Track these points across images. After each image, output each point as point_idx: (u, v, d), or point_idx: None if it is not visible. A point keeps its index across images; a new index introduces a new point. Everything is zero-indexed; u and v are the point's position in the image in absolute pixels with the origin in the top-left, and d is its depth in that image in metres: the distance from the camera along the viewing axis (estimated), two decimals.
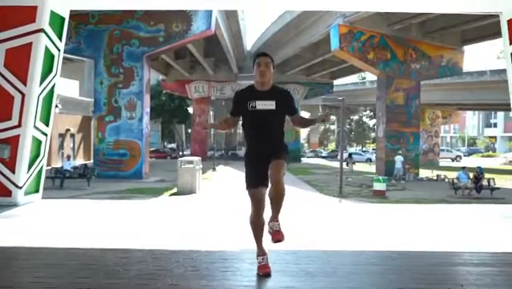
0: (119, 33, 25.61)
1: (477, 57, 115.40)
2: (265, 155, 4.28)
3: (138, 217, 8.07)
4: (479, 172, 21.84)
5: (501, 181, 24.17)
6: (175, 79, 49.39)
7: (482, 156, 74.13)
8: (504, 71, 9.65)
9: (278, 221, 4.28)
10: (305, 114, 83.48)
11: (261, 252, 4.44)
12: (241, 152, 55.89)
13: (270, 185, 4.21)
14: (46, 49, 8.56)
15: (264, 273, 4.35)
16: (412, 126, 32.58)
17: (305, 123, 4.65)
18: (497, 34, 16.57)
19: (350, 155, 35.06)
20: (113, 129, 25.67)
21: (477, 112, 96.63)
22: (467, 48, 38.01)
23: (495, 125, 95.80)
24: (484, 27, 30.49)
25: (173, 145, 65.16)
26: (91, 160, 29.75)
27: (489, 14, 11.20)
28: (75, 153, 37.57)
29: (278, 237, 4.22)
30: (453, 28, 31.78)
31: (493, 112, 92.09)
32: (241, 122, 4.56)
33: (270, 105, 4.27)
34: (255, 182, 4.31)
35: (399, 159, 29.20)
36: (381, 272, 4.67)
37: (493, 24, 24.66)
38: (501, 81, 27.35)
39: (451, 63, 35.10)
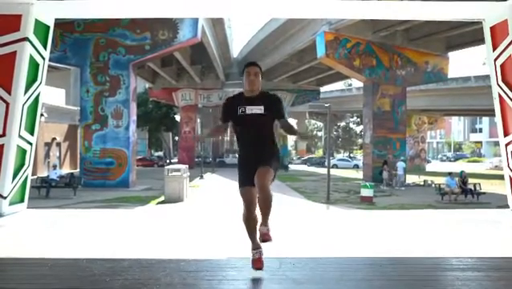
0: (105, 41, 25.54)
1: (462, 63, 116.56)
2: (255, 157, 4.43)
3: (125, 227, 8.01)
4: (463, 177, 22.02)
5: (487, 186, 24.37)
6: (162, 86, 49.33)
7: (468, 162, 74.71)
8: (488, 76, 9.74)
9: (267, 225, 4.36)
10: (292, 121, 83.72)
11: (255, 246, 4.59)
12: (229, 159, 55.82)
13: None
14: (31, 58, 8.49)
15: (257, 268, 4.52)
16: (399, 132, 32.81)
17: (290, 130, 4.66)
18: (480, 40, 16.84)
19: (385, 162, 30.00)
20: (100, 138, 25.52)
21: (462, 118, 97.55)
22: (452, 54, 38.44)
23: (480, 130, 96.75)
24: (468, 34, 30.87)
25: (161, 153, 64.88)
26: (78, 169, 29.56)
27: (473, 21, 11.32)
28: (61, 162, 37.32)
29: (265, 237, 4.31)
30: (438, 35, 32.12)
31: (478, 118, 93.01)
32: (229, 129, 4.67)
33: (258, 110, 4.45)
34: (245, 182, 4.48)
35: (401, 165, 29.23)
36: (368, 279, 4.67)
37: (476, 31, 24.97)
38: (486, 87, 27.57)
39: (436, 70, 35.45)
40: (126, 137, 25.62)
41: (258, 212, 4.49)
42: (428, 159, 60.66)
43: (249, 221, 4.52)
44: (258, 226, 4.45)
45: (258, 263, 4.54)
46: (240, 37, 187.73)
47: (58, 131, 36.75)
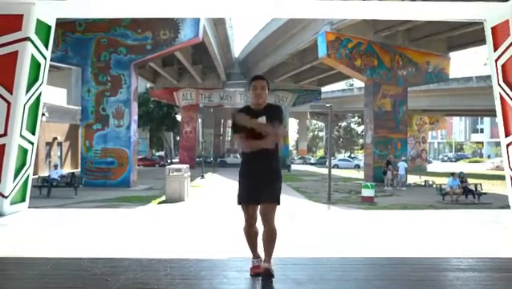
0: (107, 41, 25.55)
1: (464, 63, 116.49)
2: (258, 172, 4.47)
3: (126, 226, 8.02)
4: (461, 177, 22.02)
5: (489, 186, 24.35)
6: (163, 86, 49.34)
7: (469, 162, 74.62)
8: (490, 77, 9.75)
9: (269, 262, 4.46)
10: (293, 121, 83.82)
11: (255, 256, 4.67)
12: (230, 159, 55.83)
13: (262, 225, 4.47)
14: (33, 57, 8.51)
15: (255, 273, 4.55)
16: (400, 132, 32.80)
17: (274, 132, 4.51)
18: (482, 40, 16.79)
19: (389, 162, 29.68)
20: (101, 137, 25.54)
21: (463, 118, 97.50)
22: (453, 55, 38.42)
23: (482, 131, 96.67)
24: (469, 34, 30.85)
25: (162, 153, 64.95)
26: (79, 169, 29.57)
27: (474, 21, 11.32)
28: (63, 162, 37.34)
29: (267, 272, 4.41)
30: (439, 35, 32.10)
31: (479, 118, 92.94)
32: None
33: (261, 121, 4.46)
34: (246, 200, 4.53)
35: (402, 165, 29.19)
36: (369, 279, 4.68)
37: (478, 31, 24.93)
38: (487, 87, 27.66)
39: (437, 70, 35.44)
40: (127, 137, 25.63)
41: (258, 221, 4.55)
42: (428, 159, 60.62)
43: (251, 235, 4.62)
44: (259, 237, 4.55)
45: (256, 269, 4.58)
46: (241, 37, 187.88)
47: (59, 130, 36.77)
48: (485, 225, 8.01)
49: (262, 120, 4.45)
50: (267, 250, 4.45)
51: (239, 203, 4.57)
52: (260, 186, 4.42)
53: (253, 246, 4.65)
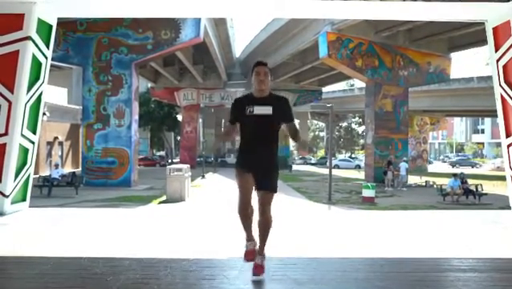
0: (108, 40, 25.57)
1: (465, 64, 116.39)
2: (255, 161, 4.41)
3: (126, 226, 8.01)
4: (461, 178, 22.01)
5: (489, 187, 24.33)
6: (164, 86, 49.40)
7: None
8: (491, 77, 9.75)
9: (262, 254, 4.50)
10: (294, 121, 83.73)
11: (249, 238, 4.60)
12: (230, 159, 55.79)
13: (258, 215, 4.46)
14: (34, 57, 8.50)
15: (248, 260, 4.55)
16: (401, 132, 32.80)
17: (295, 135, 4.57)
18: (483, 41, 16.75)
19: (389, 163, 29.47)
20: (101, 137, 25.55)
21: (464, 118, 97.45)
22: (454, 55, 38.41)
23: (483, 131, 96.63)
24: (470, 34, 30.86)
25: (162, 153, 64.94)
26: (80, 168, 29.59)
27: (475, 21, 11.31)
28: (64, 161, 37.36)
29: (257, 271, 4.44)
30: (440, 35, 32.10)
31: (480, 118, 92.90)
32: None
33: (266, 110, 4.38)
34: (244, 167, 4.44)
35: (403, 166, 29.15)
36: (369, 279, 4.67)
37: (479, 31, 24.93)
38: (488, 87, 27.62)
39: (438, 70, 35.44)
40: (128, 137, 25.63)
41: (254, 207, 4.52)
42: (429, 160, 60.57)
43: (245, 211, 4.44)
44: (252, 217, 4.49)
45: (250, 255, 4.55)
46: (242, 37, 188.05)
47: (60, 130, 36.79)
48: (486, 226, 8.00)
49: (268, 109, 4.38)
50: (262, 237, 4.46)
51: (237, 168, 4.47)
52: (258, 175, 4.40)
53: (248, 226, 4.53)
